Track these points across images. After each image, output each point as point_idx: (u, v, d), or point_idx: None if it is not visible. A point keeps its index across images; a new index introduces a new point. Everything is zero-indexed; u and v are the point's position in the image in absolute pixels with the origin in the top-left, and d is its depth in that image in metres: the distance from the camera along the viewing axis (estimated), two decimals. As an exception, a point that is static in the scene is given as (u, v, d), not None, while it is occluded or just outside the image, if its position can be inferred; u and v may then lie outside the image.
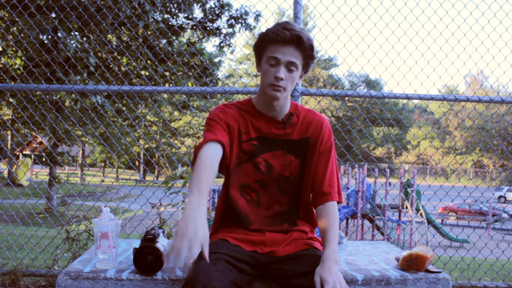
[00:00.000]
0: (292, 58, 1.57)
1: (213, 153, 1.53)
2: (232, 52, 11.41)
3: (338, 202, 1.73)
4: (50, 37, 9.02)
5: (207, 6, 10.45)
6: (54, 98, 8.66)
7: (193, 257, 1.24)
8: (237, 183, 1.71)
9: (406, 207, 8.98)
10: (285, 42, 1.56)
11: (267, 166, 1.71)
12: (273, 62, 1.58)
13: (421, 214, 9.40)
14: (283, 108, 1.69)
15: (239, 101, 1.76)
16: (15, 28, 8.20)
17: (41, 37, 8.82)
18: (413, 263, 1.68)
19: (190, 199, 1.35)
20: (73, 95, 8.16)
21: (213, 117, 1.68)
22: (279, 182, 1.72)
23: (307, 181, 1.73)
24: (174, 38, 9.70)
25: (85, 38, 9.20)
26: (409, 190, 8.81)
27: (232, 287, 1.43)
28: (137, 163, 29.65)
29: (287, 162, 1.71)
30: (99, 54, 9.07)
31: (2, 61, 7.70)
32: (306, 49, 1.58)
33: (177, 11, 10.26)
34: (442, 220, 16.07)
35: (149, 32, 8.78)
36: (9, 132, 12.97)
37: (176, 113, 17.08)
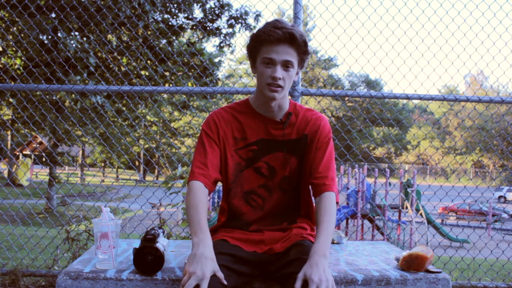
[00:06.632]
0: (287, 56, 1.55)
1: (202, 193, 1.59)
2: (232, 52, 11.42)
3: None
4: (50, 37, 9.02)
5: (207, 6, 10.45)
6: (54, 98, 8.66)
7: None
8: (241, 191, 1.71)
9: (406, 207, 8.98)
10: (278, 41, 1.54)
11: (269, 169, 1.70)
12: (269, 63, 1.56)
13: (421, 214, 9.40)
14: (282, 108, 1.68)
15: (236, 102, 1.75)
16: (15, 28, 8.21)
17: (41, 37, 8.82)
18: (413, 263, 1.68)
19: (194, 240, 1.46)
20: (73, 95, 8.16)
21: (206, 130, 1.69)
22: (282, 183, 1.71)
23: (305, 178, 1.72)
24: (174, 38, 9.70)
25: (85, 38, 9.21)
26: (409, 190, 8.80)
27: None
28: (137, 163, 29.65)
29: (286, 161, 1.71)
30: (99, 54, 9.07)
31: (2, 61, 7.70)
32: (300, 45, 1.56)
33: (177, 11, 10.26)
34: (442, 220, 16.07)
35: (149, 32, 8.78)
36: (9, 132, 12.97)
37: (176, 113, 17.07)
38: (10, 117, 11.26)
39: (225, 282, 1.39)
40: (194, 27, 10.67)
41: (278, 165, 1.70)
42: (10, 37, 8.17)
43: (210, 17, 10.60)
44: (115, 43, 8.51)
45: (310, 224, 1.79)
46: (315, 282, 1.34)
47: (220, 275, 1.39)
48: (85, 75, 8.25)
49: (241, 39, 12.94)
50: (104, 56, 9.03)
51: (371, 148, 29.80)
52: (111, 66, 9.19)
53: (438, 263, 4.12)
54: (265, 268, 1.59)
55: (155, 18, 9.30)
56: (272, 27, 1.55)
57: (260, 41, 1.57)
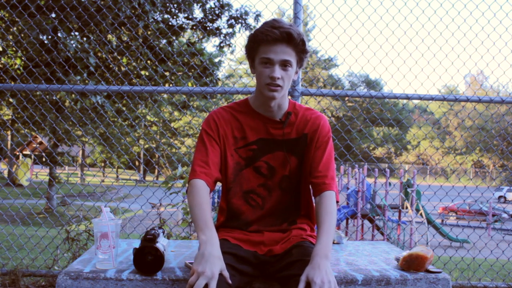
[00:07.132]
0: (285, 56, 1.55)
1: (205, 191, 1.58)
2: (232, 52, 11.42)
3: None
4: (50, 37, 9.02)
5: (207, 6, 10.45)
6: (54, 98, 8.66)
7: None
8: (240, 190, 1.71)
9: (406, 207, 8.98)
10: (275, 41, 1.54)
11: (268, 169, 1.70)
12: (267, 63, 1.56)
13: (421, 214, 9.40)
14: (281, 108, 1.68)
15: (235, 102, 1.75)
16: (15, 28, 8.21)
17: (41, 37, 8.81)
18: (413, 263, 1.68)
19: (202, 239, 1.43)
20: (73, 95, 8.16)
21: (206, 129, 1.68)
22: (281, 183, 1.71)
23: (305, 177, 1.72)
24: (174, 38, 9.70)
25: (85, 38, 9.21)
26: (409, 190, 8.80)
27: None
28: (137, 163, 29.64)
29: (286, 161, 1.71)
30: (99, 54, 9.06)
31: (2, 61, 7.70)
32: (298, 45, 1.56)
33: (177, 11, 10.26)
34: (442, 220, 16.07)
35: (149, 32, 8.78)
36: (9, 132, 12.96)
37: (176, 113, 17.07)
38: (10, 117, 11.25)
39: (230, 282, 1.39)
40: (194, 27, 10.66)
41: (278, 164, 1.70)
42: (10, 37, 8.17)
43: (210, 17, 10.60)
44: (115, 43, 8.51)
45: (310, 225, 1.78)
46: (317, 284, 1.34)
47: (226, 274, 1.39)
48: (85, 75, 8.25)
49: (241, 39, 12.95)
50: (104, 56, 9.02)
51: (371, 148, 29.79)
52: (111, 66, 9.19)
53: (438, 263, 4.12)
54: (265, 269, 1.59)
55: (155, 18, 9.29)
56: (269, 26, 1.55)
57: (258, 41, 1.57)
